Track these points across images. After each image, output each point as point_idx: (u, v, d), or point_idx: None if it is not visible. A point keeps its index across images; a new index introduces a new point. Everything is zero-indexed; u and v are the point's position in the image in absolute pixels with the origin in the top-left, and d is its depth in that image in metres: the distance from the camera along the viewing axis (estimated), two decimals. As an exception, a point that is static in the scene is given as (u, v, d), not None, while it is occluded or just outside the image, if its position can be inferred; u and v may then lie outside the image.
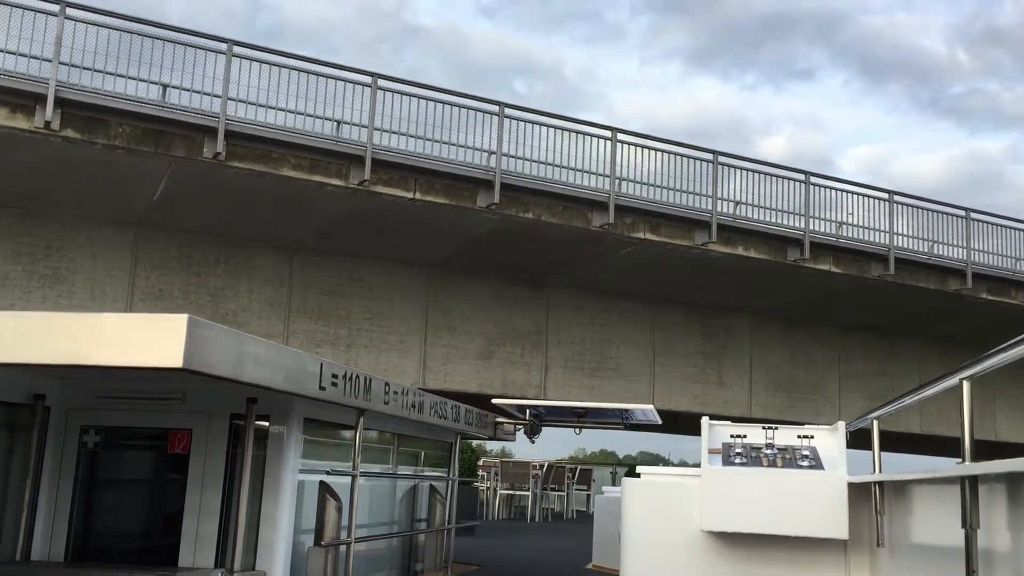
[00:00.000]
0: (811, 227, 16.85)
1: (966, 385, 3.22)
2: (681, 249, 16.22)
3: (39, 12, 12.11)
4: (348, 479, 6.37)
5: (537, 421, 9.99)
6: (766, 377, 19.86)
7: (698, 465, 5.69)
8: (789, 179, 16.95)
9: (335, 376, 5.59)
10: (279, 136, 13.12)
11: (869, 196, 17.67)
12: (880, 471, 5.03)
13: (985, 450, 4.56)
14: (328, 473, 6.28)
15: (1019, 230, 19.26)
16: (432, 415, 7.59)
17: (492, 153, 14.59)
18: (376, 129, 13.79)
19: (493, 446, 39.74)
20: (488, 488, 23.31)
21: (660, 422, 10.25)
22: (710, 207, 16.07)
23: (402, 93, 14.04)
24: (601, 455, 60.16)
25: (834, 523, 5.30)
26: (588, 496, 24.73)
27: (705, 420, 5.95)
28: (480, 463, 27.27)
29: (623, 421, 10.33)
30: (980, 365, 3.12)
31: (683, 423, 18.25)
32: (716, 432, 5.93)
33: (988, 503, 3.09)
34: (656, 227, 15.93)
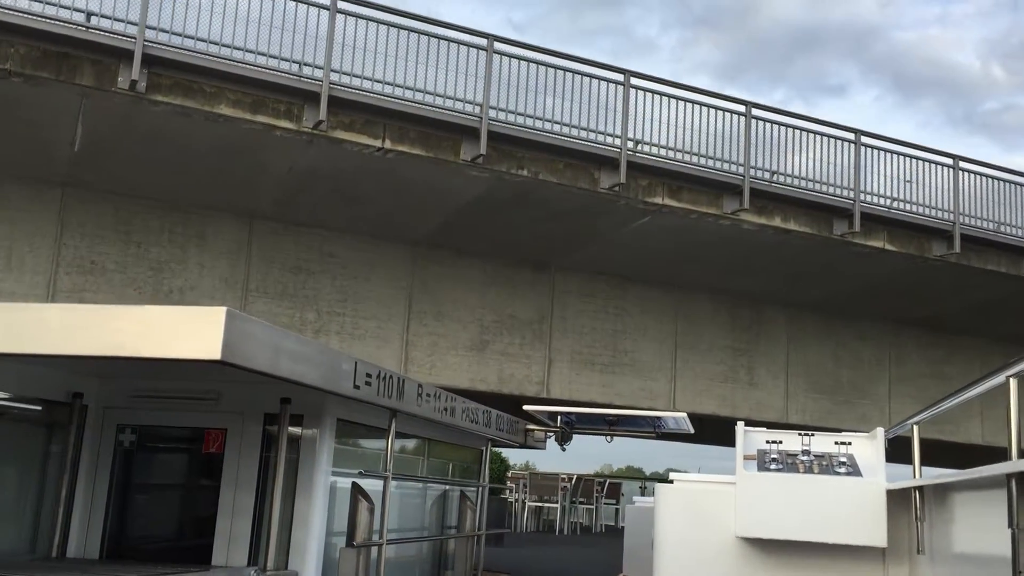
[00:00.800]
0: (862, 196, 14.30)
1: (1013, 383, 3.12)
2: (707, 220, 13.71)
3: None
4: (380, 483, 6.36)
5: (568, 428, 9.70)
6: (804, 377, 17.34)
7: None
8: (839, 138, 14.40)
9: (369, 375, 5.56)
10: (210, 64, 10.70)
11: (929, 161, 15.07)
12: (920, 476, 5.07)
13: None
14: (360, 474, 6.20)
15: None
16: (464, 419, 7.51)
17: (478, 105, 12.18)
18: (334, 71, 11.43)
19: (517, 459, 39.60)
20: (517, 500, 22.85)
21: (692, 431, 9.88)
22: (742, 170, 13.57)
23: (369, 19, 11.66)
24: (627, 470, 59.71)
25: (872, 530, 5.31)
26: (617, 510, 24.33)
27: (740, 425, 5.95)
28: (508, 474, 27.16)
29: (655, 429, 10.00)
30: None
31: (710, 430, 15.77)
32: (751, 438, 5.93)
33: None
34: (677, 191, 13.43)
